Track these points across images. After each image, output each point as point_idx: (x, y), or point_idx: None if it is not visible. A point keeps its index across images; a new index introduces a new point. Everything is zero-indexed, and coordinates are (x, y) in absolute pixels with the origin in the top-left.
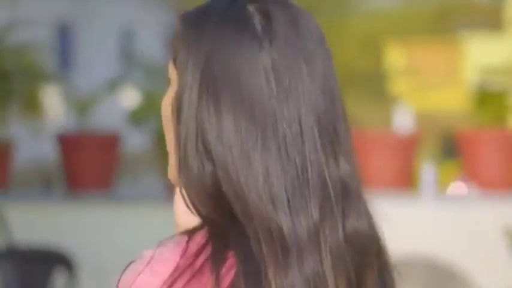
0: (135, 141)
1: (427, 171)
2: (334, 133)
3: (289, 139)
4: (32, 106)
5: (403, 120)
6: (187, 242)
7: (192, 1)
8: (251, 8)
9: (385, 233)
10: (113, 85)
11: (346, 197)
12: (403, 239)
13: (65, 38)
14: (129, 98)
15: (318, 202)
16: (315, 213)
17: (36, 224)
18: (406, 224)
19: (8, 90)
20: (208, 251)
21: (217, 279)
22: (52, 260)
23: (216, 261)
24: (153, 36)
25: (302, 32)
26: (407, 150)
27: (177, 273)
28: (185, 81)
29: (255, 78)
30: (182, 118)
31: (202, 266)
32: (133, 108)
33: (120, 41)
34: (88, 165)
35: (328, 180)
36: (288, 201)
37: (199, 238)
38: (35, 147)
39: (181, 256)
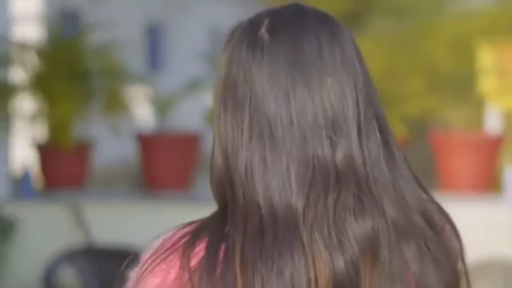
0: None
1: (511, 173)
2: (338, 130)
3: (286, 133)
4: (114, 105)
5: (492, 122)
6: (180, 229)
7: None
8: (265, 20)
9: (466, 234)
10: (194, 85)
11: (343, 186)
12: (484, 241)
13: (154, 38)
14: (210, 98)
15: (306, 188)
16: (300, 201)
17: (114, 222)
18: (487, 226)
19: (90, 90)
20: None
21: (184, 257)
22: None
23: (190, 240)
24: None
25: (300, 41)
26: (493, 151)
27: (154, 255)
28: (214, 89)
29: (248, 84)
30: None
31: (178, 247)
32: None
33: (209, 42)
34: (167, 165)
35: (320, 170)
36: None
37: (193, 227)
38: (118, 147)
39: (165, 240)
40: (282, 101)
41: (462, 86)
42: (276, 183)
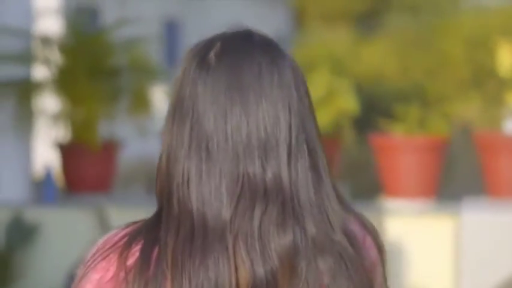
0: None
1: None
2: (268, 147)
3: (221, 149)
4: (140, 104)
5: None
6: (123, 228)
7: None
8: (217, 43)
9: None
10: None
11: (265, 198)
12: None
13: (172, 34)
14: None
15: (234, 201)
16: (228, 212)
17: None
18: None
19: (116, 87)
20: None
21: (121, 257)
22: None
23: (128, 241)
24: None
25: (243, 67)
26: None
27: (98, 253)
28: (169, 100)
29: (192, 100)
30: None
31: (118, 247)
32: None
33: None
34: None
35: (249, 186)
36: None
37: (134, 227)
38: (142, 146)
39: (108, 239)
40: (219, 119)
41: (482, 85)
42: (208, 194)
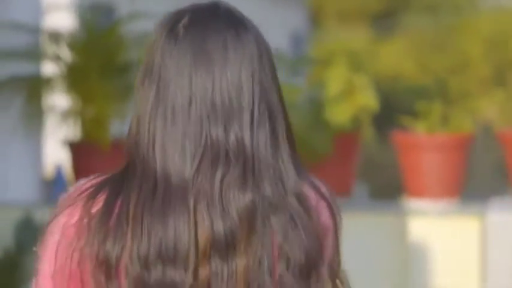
0: None
1: None
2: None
3: (185, 113)
4: None
5: None
6: (90, 179)
7: None
8: (186, 15)
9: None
10: None
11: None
12: None
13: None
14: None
15: (197, 161)
16: (191, 172)
17: None
18: None
19: (128, 85)
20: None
21: (86, 205)
22: None
23: (94, 191)
24: (278, 31)
25: (208, 39)
26: None
27: (66, 201)
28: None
29: (161, 67)
30: None
31: (84, 196)
32: None
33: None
34: None
35: (212, 148)
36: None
37: (100, 180)
38: None
39: (76, 187)
40: (185, 85)
41: (502, 82)
42: (172, 155)
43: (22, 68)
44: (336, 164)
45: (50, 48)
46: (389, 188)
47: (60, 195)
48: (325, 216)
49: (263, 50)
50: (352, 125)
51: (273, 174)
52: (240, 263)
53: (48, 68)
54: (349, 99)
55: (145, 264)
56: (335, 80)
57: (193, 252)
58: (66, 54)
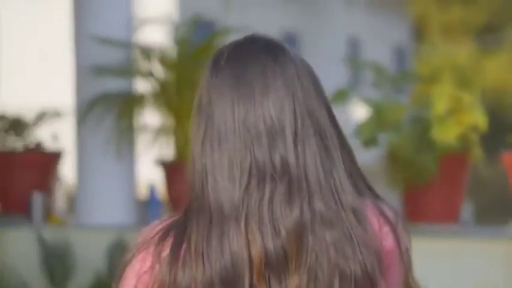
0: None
1: None
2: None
3: (230, 140)
4: None
5: None
6: (161, 221)
7: (413, 7)
8: (225, 51)
9: None
10: (339, 96)
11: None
12: None
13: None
14: (357, 110)
15: (244, 184)
16: (240, 196)
17: None
18: None
19: None
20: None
21: (157, 247)
22: None
23: (163, 235)
24: (381, 45)
25: (247, 67)
26: None
27: (140, 244)
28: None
29: (206, 100)
30: None
31: (155, 240)
32: (362, 122)
33: (348, 50)
34: None
35: (258, 170)
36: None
37: (169, 221)
38: None
39: (150, 230)
40: (227, 113)
41: None
42: (222, 183)
43: (113, 84)
44: (443, 186)
45: (141, 63)
46: (498, 212)
47: (153, 216)
48: (389, 240)
49: (304, 73)
50: (459, 145)
51: (326, 190)
52: (292, 282)
53: (140, 85)
54: (456, 118)
55: None
56: (441, 97)
57: (249, 271)
58: (158, 70)
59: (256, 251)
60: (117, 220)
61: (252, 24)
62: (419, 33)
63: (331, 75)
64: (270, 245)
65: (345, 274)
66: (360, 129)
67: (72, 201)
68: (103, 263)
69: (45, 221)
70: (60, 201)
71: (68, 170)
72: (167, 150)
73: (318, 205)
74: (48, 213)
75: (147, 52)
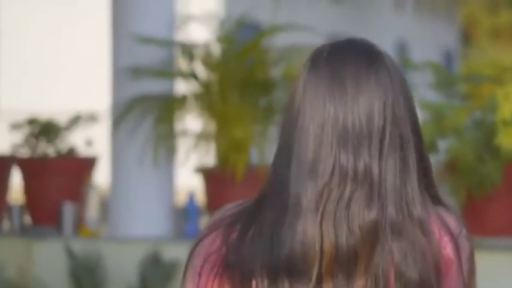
0: None
1: None
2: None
3: (316, 137)
4: None
5: None
6: (234, 206)
7: (461, 10)
8: (325, 50)
9: None
10: None
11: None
12: None
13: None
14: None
15: (325, 181)
16: (320, 192)
17: None
18: None
19: (270, 105)
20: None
21: (227, 229)
22: None
23: (234, 218)
24: (429, 49)
25: (344, 68)
26: None
27: (212, 225)
28: None
29: (300, 94)
30: None
31: (226, 223)
32: None
33: (396, 53)
34: None
35: (340, 172)
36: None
37: (241, 208)
38: None
39: (221, 214)
40: (319, 111)
41: None
42: (304, 176)
43: (153, 86)
44: (509, 197)
45: (183, 64)
46: None
47: (190, 228)
48: (448, 249)
49: (397, 81)
50: None
51: (399, 199)
52: (359, 282)
53: (182, 86)
54: None
55: (274, 277)
56: (508, 99)
57: (318, 263)
58: (201, 71)
59: (328, 244)
60: (152, 231)
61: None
62: (467, 37)
63: None
64: (343, 241)
65: (405, 280)
66: None
67: (106, 211)
68: (135, 277)
69: (76, 233)
70: (93, 210)
71: (103, 178)
72: (208, 157)
73: (391, 212)
74: (79, 224)
75: (189, 51)
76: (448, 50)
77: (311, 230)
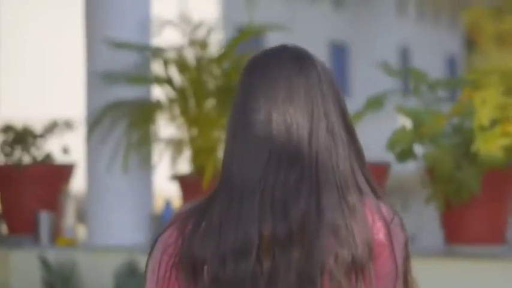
0: (402, 167)
1: None
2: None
3: (258, 131)
4: None
5: None
6: (191, 203)
7: (465, 16)
8: (257, 59)
9: None
10: (373, 103)
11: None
12: None
13: (340, 57)
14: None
15: (262, 171)
16: (257, 180)
17: None
18: None
19: None
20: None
21: (182, 223)
22: None
23: (189, 213)
24: (432, 55)
25: (274, 70)
26: None
27: (171, 221)
28: None
29: (237, 100)
30: None
31: (181, 218)
32: (395, 132)
33: (398, 60)
34: None
35: (275, 158)
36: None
37: (197, 204)
38: None
39: (178, 212)
40: (256, 109)
41: None
42: (247, 166)
43: (127, 92)
44: (487, 204)
45: (158, 69)
46: None
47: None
48: (380, 235)
49: (324, 78)
50: (505, 158)
51: (331, 183)
52: (293, 255)
53: (156, 92)
54: (502, 128)
55: (222, 261)
56: (486, 105)
57: (257, 248)
58: (176, 76)
59: (267, 231)
60: (129, 239)
61: (300, 33)
62: (471, 42)
63: (382, 85)
64: (279, 227)
65: (337, 257)
66: (393, 140)
67: (83, 219)
68: (110, 286)
69: (53, 242)
70: (70, 219)
71: (80, 185)
72: (185, 163)
73: (324, 197)
74: (56, 233)
75: (163, 56)
76: (451, 56)
77: (251, 219)
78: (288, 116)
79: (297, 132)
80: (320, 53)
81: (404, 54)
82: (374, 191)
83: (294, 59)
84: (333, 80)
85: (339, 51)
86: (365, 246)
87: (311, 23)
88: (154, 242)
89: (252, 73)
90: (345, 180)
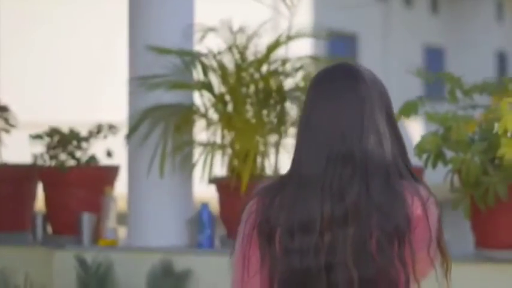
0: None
1: None
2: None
3: (319, 133)
4: None
5: None
6: (269, 180)
7: None
8: (322, 70)
9: None
10: (407, 109)
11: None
12: None
13: (436, 61)
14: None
15: (323, 165)
16: (320, 171)
17: None
18: None
19: (282, 116)
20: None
21: (260, 198)
22: None
23: (266, 190)
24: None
25: (334, 84)
26: None
27: (252, 195)
28: None
29: (306, 108)
30: None
31: (260, 194)
32: (423, 137)
33: (496, 65)
34: None
35: (334, 154)
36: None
37: (273, 182)
38: None
39: (260, 187)
40: (320, 115)
41: None
42: (311, 164)
43: (168, 96)
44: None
45: (198, 75)
46: None
47: (203, 238)
48: (418, 210)
49: (373, 88)
50: None
51: (379, 173)
52: (349, 230)
53: (196, 97)
54: None
55: (291, 234)
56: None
57: (320, 222)
58: (215, 81)
59: (327, 213)
60: (167, 241)
61: (396, 37)
62: None
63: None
64: (337, 210)
65: (383, 229)
66: (420, 145)
67: (125, 221)
68: (144, 287)
69: (94, 243)
70: (112, 221)
71: (122, 188)
72: (222, 167)
73: (372, 184)
74: (98, 235)
75: (202, 61)
76: (503, 53)
77: (315, 202)
78: (342, 123)
79: (350, 136)
80: (415, 57)
81: (502, 59)
82: (413, 176)
83: (346, 75)
84: (381, 90)
85: (435, 55)
86: (404, 220)
87: (407, 27)
88: (241, 211)
89: (314, 87)
90: (388, 170)
